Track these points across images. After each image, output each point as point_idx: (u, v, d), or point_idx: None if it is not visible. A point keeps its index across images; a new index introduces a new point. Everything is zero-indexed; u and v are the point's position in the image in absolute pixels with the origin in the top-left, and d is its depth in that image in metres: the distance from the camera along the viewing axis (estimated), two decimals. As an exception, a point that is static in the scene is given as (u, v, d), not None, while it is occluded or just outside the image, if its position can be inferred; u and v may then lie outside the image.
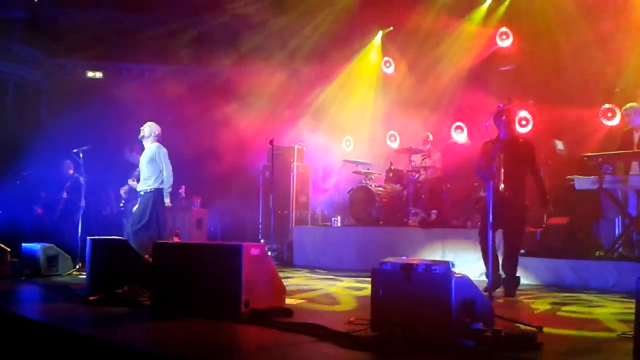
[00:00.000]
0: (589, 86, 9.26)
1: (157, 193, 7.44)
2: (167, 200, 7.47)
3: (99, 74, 13.71)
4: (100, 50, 12.79)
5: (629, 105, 7.53)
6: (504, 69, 10.76)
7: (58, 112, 11.79)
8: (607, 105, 8.96)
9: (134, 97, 12.18)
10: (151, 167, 7.49)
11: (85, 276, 6.36)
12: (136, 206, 7.66)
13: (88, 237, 6.05)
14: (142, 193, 7.55)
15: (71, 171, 10.27)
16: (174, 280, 5.01)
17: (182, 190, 12.29)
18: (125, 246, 5.90)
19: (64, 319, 4.74)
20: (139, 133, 7.63)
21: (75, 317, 4.89)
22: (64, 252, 7.96)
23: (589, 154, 7.58)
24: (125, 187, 10.37)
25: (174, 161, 9.52)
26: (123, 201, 10.46)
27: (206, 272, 4.84)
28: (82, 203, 8.89)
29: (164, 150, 7.62)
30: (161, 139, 7.75)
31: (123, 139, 10.98)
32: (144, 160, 7.59)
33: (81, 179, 9.16)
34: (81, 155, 8.83)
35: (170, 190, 7.57)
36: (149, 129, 7.65)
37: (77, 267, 7.98)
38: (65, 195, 10.25)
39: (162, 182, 7.48)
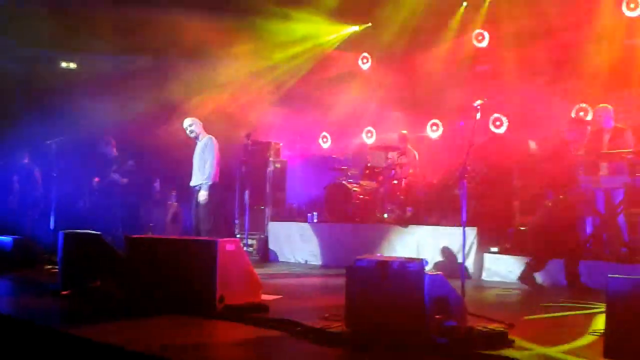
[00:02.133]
0: (562, 86, 9.40)
1: (214, 187, 7.33)
2: (203, 192, 7.25)
3: (72, 65, 13.48)
4: (74, 40, 12.59)
5: (600, 106, 7.66)
6: (481, 68, 10.86)
7: (31, 103, 11.57)
8: (581, 105, 9.12)
9: (109, 88, 12.03)
10: (201, 162, 7.40)
11: (57, 270, 6.27)
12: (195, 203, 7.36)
13: (60, 231, 5.97)
14: (197, 189, 7.38)
15: (25, 160, 10.11)
16: (148, 275, 4.98)
17: (157, 184, 12.21)
18: (98, 240, 5.83)
19: (35, 314, 4.68)
20: (189, 134, 7.55)
21: (47, 312, 4.82)
22: (37, 245, 7.85)
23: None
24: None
25: (150, 154, 9.47)
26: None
27: (181, 267, 4.82)
28: (53, 195, 8.76)
29: (215, 141, 7.49)
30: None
31: (98, 131, 10.84)
32: (196, 155, 7.49)
33: (35, 168, 9.00)
34: (54, 147, 8.72)
35: (210, 183, 7.32)
36: (197, 126, 7.56)
37: (49, 261, 7.86)
38: (17, 185, 10.09)
39: (215, 175, 7.33)
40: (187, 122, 7.57)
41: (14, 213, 9.87)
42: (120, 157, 9.96)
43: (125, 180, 9.90)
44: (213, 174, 7.28)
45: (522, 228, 7.58)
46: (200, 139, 7.52)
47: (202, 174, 7.30)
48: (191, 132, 7.49)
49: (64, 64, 13.35)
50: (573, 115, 9.09)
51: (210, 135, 7.54)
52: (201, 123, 7.60)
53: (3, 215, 9.72)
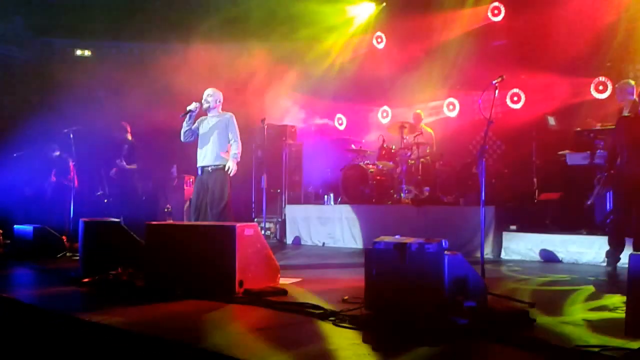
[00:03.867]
0: (581, 61, 9.23)
1: (226, 170, 6.59)
2: (232, 163, 6.54)
3: (87, 53, 13.53)
4: (89, 28, 12.63)
5: (621, 82, 7.53)
6: (496, 44, 10.69)
7: (47, 92, 11.65)
8: (600, 79, 8.96)
9: (124, 75, 12.06)
10: (221, 140, 6.62)
11: (77, 258, 6.34)
12: (208, 185, 6.60)
13: (80, 219, 6.02)
14: (209, 170, 6.60)
15: (57, 153, 10.20)
16: (168, 262, 5.01)
17: (174, 170, 12.27)
18: (118, 227, 5.88)
19: (57, 302, 4.74)
20: (202, 105, 6.67)
21: (69, 300, 4.88)
22: (56, 234, 7.93)
23: (581, 129, 7.60)
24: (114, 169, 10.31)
25: (167, 141, 9.39)
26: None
27: (200, 253, 4.85)
28: (73, 184, 8.84)
29: (235, 120, 6.78)
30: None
31: (114, 118, 10.89)
32: (212, 131, 6.65)
33: (70, 160, 9.09)
34: (71, 135, 8.77)
35: (238, 158, 6.66)
36: (213, 99, 6.70)
37: (70, 249, 7.95)
38: (53, 178, 10.19)
39: (233, 154, 6.62)
40: (208, 90, 6.79)
41: (48, 205, 9.99)
42: (133, 143, 10.02)
43: (133, 166, 9.96)
44: (240, 151, 6.69)
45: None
46: (215, 113, 6.76)
47: (220, 152, 6.58)
48: (206, 102, 6.68)
49: (79, 52, 13.40)
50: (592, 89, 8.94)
51: (231, 113, 6.90)
52: (222, 96, 6.85)
53: (39, 209, 9.85)
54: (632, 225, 6.17)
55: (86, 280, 5.32)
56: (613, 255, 6.27)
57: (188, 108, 6.61)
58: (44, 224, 7.96)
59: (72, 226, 8.05)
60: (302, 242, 9.80)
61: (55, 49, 13.17)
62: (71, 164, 9.61)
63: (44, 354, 4.09)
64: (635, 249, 6.20)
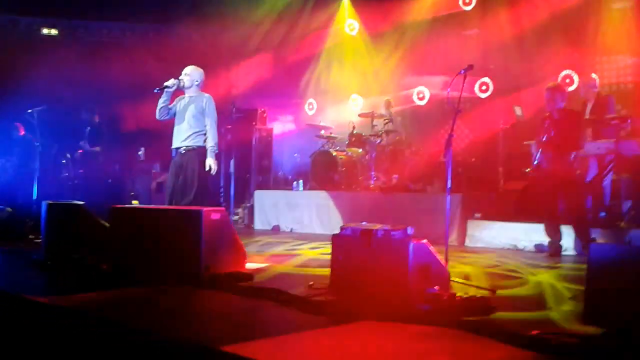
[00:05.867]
0: (549, 53, 9.37)
1: (203, 152, 6.27)
2: (211, 160, 6.25)
3: (54, 32, 13.21)
4: (56, 6, 12.34)
5: (587, 76, 7.73)
6: (468, 33, 10.77)
7: (12, 71, 11.35)
8: (567, 71, 9.12)
9: (91, 55, 11.84)
10: (195, 121, 6.28)
11: (40, 241, 6.24)
12: (182, 167, 6.27)
13: (43, 201, 5.92)
14: (182, 151, 6.27)
15: (22, 133, 9.98)
16: (133, 245, 4.96)
17: (141, 153, 12.11)
18: (81, 210, 5.79)
19: (18, 285, 4.67)
20: (179, 83, 6.32)
21: (30, 283, 4.81)
22: (19, 216, 7.78)
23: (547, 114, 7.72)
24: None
25: (135, 123, 9.20)
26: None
27: (166, 237, 4.81)
28: (37, 165, 8.66)
29: (214, 103, 6.43)
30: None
31: (80, 99, 10.70)
32: (187, 112, 6.31)
33: (34, 141, 8.89)
34: (35, 116, 8.59)
35: (216, 150, 6.39)
36: (189, 78, 6.37)
37: (32, 231, 7.80)
38: (15, 159, 9.97)
39: (205, 139, 6.30)
40: (187, 68, 6.46)
41: (10, 187, 9.74)
42: (100, 125, 9.86)
43: (97, 148, 9.80)
44: (217, 142, 6.41)
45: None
46: (192, 93, 6.42)
47: (196, 135, 6.27)
48: (182, 80, 6.34)
49: (45, 31, 13.08)
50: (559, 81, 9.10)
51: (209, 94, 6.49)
52: (202, 76, 6.47)
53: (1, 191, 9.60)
54: (566, 214, 6.55)
55: (48, 262, 5.25)
56: (554, 243, 6.55)
57: (165, 84, 6.33)
58: (6, 205, 7.80)
59: (36, 208, 7.90)
60: (271, 228, 9.79)
61: (21, 27, 12.84)
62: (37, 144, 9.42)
63: (3, 337, 4.04)
64: (577, 236, 6.49)
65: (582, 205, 6.65)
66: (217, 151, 6.36)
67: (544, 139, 6.52)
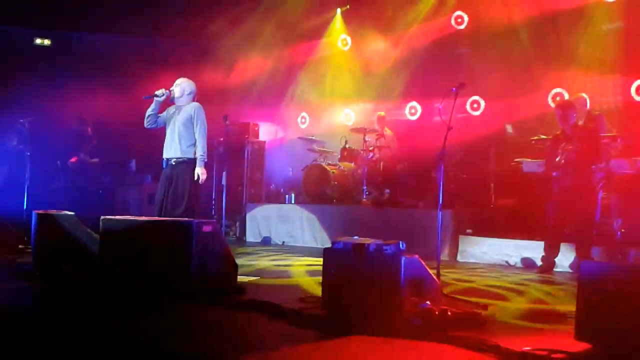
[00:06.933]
0: (537, 70, 9.46)
1: (194, 164, 6.24)
2: (200, 169, 6.21)
3: (47, 42, 13.19)
4: (50, 17, 12.33)
5: (575, 95, 7.81)
6: (460, 51, 10.86)
7: (4, 81, 11.32)
8: (557, 90, 9.21)
9: (84, 66, 11.83)
10: (186, 131, 6.25)
11: (30, 251, 6.18)
12: (172, 178, 6.24)
13: (33, 211, 5.87)
14: (173, 162, 6.26)
15: (14, 143, 9.93)
16: (124, 257, 4.93)
17: (132, 164, 12.08)
18: (72, 220, 5.75)
19: (8, 296, 4.62)
20: (169, 93, 6.32)
21: (20, 294, 4.76)
22: (9, 226, 7.71)
23: (537, 138, 7.79)
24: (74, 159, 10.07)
25: (125, 135, 9.15)
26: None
27: (157, 249, 4.77)
28: (27, 175, 8.61)
29: (204, 112, 6.38)
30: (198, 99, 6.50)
31: (72, 110, 10.66)
32: (177, 122, 6.27)
33: (25, 151, 8.84)
34: (27, 125, 8.56)
35: (205, 159, 6.32)
36: (179, 89, 6.36)
37: (23, 242, 7.73)
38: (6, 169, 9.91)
39: (195, 151, 6.25)
40: (178, 80, 6.46)
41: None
42: (92, 137, 9.84)
43: (95, 160, 9.78)
44: (206, 151, 6.32)
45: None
46: (181, 103, 6.39)
47: (187, 146, 6.24)
48: (174, 90, 6.34)
49: (38, 41, 13.06)
50: (550, 99, 9.19)
51: (199, 104, 6.44)
52: (193, 87, 6.46)
53: None
54: (571, 232, 6.62)
55: (37, 273, 5.20)
56: (548, 260, 6.57)
57: (155, 92, 6.36)
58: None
59: (26, 218, 7.84)
60: (262, 241, 9.76)
61: (14, 36, 12.82)
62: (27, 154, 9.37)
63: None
64: (578, 255, 6.50)
65: (592, 221, 6.68)
66: (205, 160, 6.31)
67: (559, 159, 6.52)
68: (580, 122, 7.41)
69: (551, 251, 6.60)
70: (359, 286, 3.82)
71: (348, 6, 12.41)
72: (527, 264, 7.03)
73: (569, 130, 6.58)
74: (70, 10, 11.81)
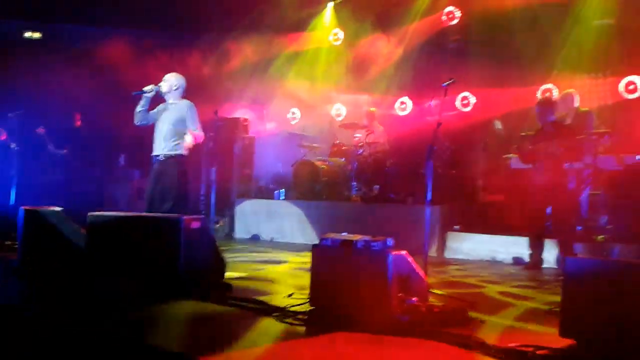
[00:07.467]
0: (527, 66, 9.48)
1: (182, 160, 6.25)
2: (190, 138, 6.17)
3: (37, 35, 13.09)
4: (40, 9, 12.23)
5: (565, 92, 7.84)
6: (451, 46, 10.86)
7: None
8: (546, 86, 9.24)
9: (74, 60, 11.75)
10: (175, 129, 6.22)
11: (17, 246, 6.14)
12: (160, 175, 6.22)
13: (21, 207, 5.83)
14: (161, 158, 6.22)
15: (3, 137, 9.86)
16: (111, 252, 4.91)
17: (121, 159, 12.02)
18: (59, 216, 5.71)
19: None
20: (158, 88, 6.28)
21: (6, 291, 4.74)
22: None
23: (525, 133, 7.82)
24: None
25: (114, 130, 9.08)
26: None
27: (144, 245, 4.76)
28: (15, 170, 8.56)
29: (196, 110, 6.36)
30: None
31: (62, 104, 10.60)
32: (166, 119, 6.27)
33: (12, 145, 8.78)
34: (16, 119, 8.51)
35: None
36: (167, 84, 6.31)
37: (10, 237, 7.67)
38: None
39: (184, 147, 6.22)
40: (167, 75, 6.43)
41: None
42: (76, 130, 9.78)
43: (63, 151, 9.71)
44: (202, 137, 6.35)
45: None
46: (171, 100, 6.37)
47: (176, 142, 6.21)
48: (162, 86, 6.31)
49: (27, 34, 12.95)
50: (539, 95, 9.22)
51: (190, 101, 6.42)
52: (183, 83, 6.44)
53: None
54: (553, 228, 6.67)
55: (24, 268, 5.17)
56: (534, 256, 6.64)
57: (143, 89, 6.33)
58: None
59: (13, 214, 7.78)
60: (251, 237, 9.75)
61: (3, 30, 12.70)
62: (13, 148, 9.31)
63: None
64: (560, 249, 6.57)
65: (570, 218, 6.74)
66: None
67: (535, 155, 6.60)
68: (568, 121, 7.48)
69: (534, 247, 6.65)
70: (347, 282, 3.83)
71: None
72: (515, 260, 7.06)
73: (547, 128, 6.65)
74: (60, 3, 11.72)
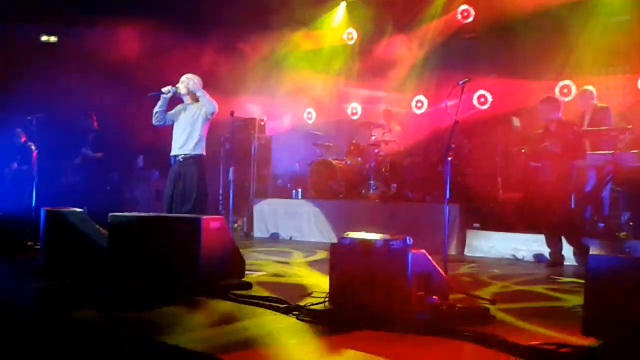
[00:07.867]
0: (544, 63, 9.40)
1: (201, 160, 6.34)
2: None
3: (53, 39, 13.23)
4: (56, 14, 12.36)
5: (582, 88, 7.77)
6: (466, 45, 10.80)
7: (11, 78, 11.37)
8: (565, 82, 9.16)
9: (91, 62, 11.85)
10: (193, 129, 6.30)
11: (38, 247, 6.21)
12: (180, 175, 6.27)
13: (42, 208, 5.90)
14: (180, 158, 6.30)
15: (23, 139, 9.99)
16: (132, 253, 4.96)
17: (140, 160, 12.12)
18: (81, 217, 5.78)
19: (17, 294, 4.66)
20: (175, 90, 6.38)
21: (30, 292, 4.79)
22: (18, 223, 7.74)
23: (541, 131, 7.75)
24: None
25: (134, 131, 9.15)
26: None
27: (165, 245, 4.80)
28: (35, 172, 8.66)
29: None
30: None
31: (79, 106, 10.70)
32: (185, 119, 6.34)
33: (32, 146, 8.87)
34: (34, 122, 8.60)
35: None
36: (184, 85, 6.40)
37: (31, 238, 7.76)
38: (15, 165, 9.96)
39: (204, 147, 6.35)
40: (186, 75, 6.51)
41: (8, 193, 9.74)
42: (97, 130, 9.87)
43: (99, 154, 9.81)
44: (215, 107, 6.38)
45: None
46: (189, 100, 6.45)
47: (195, 143, 6.28)
48: (179, 87, 6.39)
49: (44, 38, 13.10)
50: (557, 92, 9.15)
51: None
52: (199, 82, 6.49)
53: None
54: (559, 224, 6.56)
55: (47, 270, 5.23)
56: (554, 253, 6.57)
57: (161, 89, 6.36)
58: (3, 212, 7.77)
59: (35, 215, 7.87)
60: (270, 236, 9.79)
61: (20, 34, 12.86)
62: (34, 151, 9.42)
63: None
64: (570, 244, 6.51)
65: (575, 214, 6.68)
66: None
67: (540, 152, 6.58)
68: (587, 117, 7.42)
69: (551, 244, 6.60)
70: (366, 281, 3.83)
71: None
72: (536, 258, 7.01)
73: (551, 126, 6.60)
74: (75, 6, 11.84)
